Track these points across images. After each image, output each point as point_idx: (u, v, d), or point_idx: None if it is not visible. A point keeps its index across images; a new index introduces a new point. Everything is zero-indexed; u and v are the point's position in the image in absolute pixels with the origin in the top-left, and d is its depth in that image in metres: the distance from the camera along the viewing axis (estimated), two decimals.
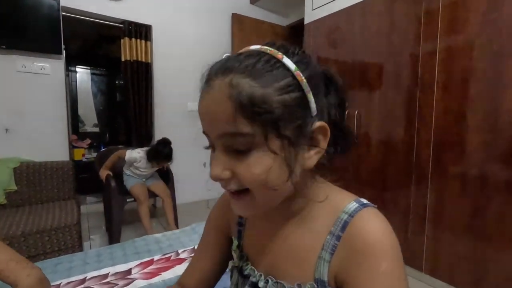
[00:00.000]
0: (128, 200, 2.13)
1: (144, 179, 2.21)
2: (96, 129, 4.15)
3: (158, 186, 2.22)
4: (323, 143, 0.38)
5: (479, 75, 1.37)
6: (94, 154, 3.58)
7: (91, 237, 2.24)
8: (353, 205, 0.40)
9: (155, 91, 2.64)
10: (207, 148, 0.40)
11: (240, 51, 0.38)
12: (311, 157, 0.38)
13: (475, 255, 1.41)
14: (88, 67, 3.97)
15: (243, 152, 0.35)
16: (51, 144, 2.20)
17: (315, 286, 0.39)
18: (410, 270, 1.67)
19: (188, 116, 2.82)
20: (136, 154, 2.09)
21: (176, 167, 2.52)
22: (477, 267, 1.41)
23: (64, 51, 2.21)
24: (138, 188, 2.09)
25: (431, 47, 1.54)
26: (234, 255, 0.51)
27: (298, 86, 0.35)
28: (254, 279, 0.46)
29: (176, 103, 2.75)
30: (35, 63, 2.07)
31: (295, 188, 0.38)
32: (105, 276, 0.84)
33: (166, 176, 2.33)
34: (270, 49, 0.36)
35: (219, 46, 2.93)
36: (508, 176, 1.29)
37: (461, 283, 1.47)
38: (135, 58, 2.48)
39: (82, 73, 3.96)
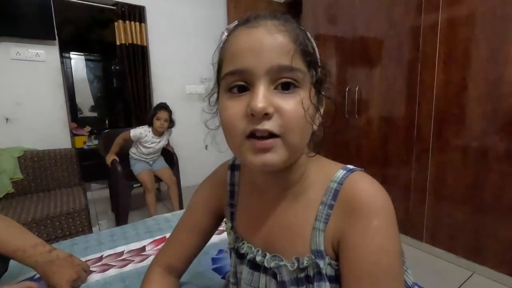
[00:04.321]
0: (134, 186, 2.14)
1: (151, 162, 2.21)
2: (93, 114, 4.12)
3: (164, 172, 2.23)
4: (321, 110, 0.41)
5: (481, 44, 1.36)
6: (95, 141, 3.58)
7: (99, 222, 2.29)
8: (340, 172, 0.41)
9: (152, 75, 2.61)
10: (232, 88, 0.37)
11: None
12: (318, 118, 0.40)
13: (474, 225, 1.46)
14: (83, 53, 3.89)
15: (290, 91, 0.35)
16: (52, 133, 2.20)
17: (313, 257, 0.39)
18: (411, 240, 1.73)
19: (187, 99, 2.80)
20: (139, 129, 2.11)
21: (177, 150, 2.54)
22: (476, 236, 1.46)
23: (57, 37, 2.16)
24: (146, 175, 2.10)
25: (432, 18, 1.52)
26: (229, 237, 0.51)
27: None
28: (251, 255, 0.45)
29: (174, 86, 2.73)
30: (29, 50, 2.03)
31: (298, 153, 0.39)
32: (121, 253, 0.88)
33: (171, 160, 2.34)
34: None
35: (214, 26, 2.86)
36: (508, 147, 1.31)
37: (460, 251, 1.53)
38: (130, 42, 2.43)
39: (77, 60, 3.88)
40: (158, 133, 2.16)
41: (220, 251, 0.88)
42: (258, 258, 0.44)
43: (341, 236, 0.38)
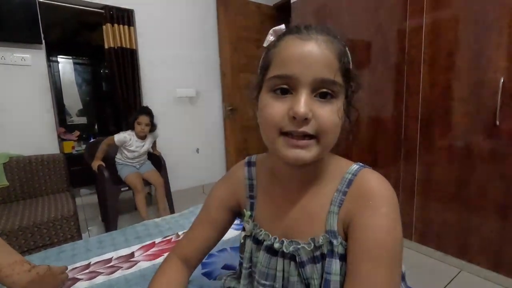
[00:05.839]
0: (122, 189, 2.13)
1: (138, 166, 2.20)
2: (82, 119, 4.06)
3: (152, 174, 2.22)
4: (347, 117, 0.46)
5: (464, 47, 1.39)
6: (84, 146, 3.52)
7: (88, 228, 2.25)
8: (354, 166, 0.48)
9: (142, 78, 2.59)
10: (276, 90, 0.42)
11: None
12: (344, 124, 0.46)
13: (461, 223, 1.49)
14: (71, 57, 3.83)
15: (327, 100, 0.41)
16: (39, 138, 2.16)
17: (327, 236, 0.44)
18: None
19: (178, 102, 2.79)
20: (123, 134, 2.12)
21: (169, 154, 2.53)
22: (463, 234, 1.49)
23: (44, 41, 2.13)
24: (133, 177, 2.09)
25: (417, 22, 1.55)
26: (247, 225, 0.54)
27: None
28: (269, 242, 0.49)
29: (165, 90, 2.71)
30: (14, 54, 1.99)
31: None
32: (109, 260, 0.87)
33: (159, 163, 2.33)
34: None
35: (204, 29, 2.86)
36: (491, 146, 1.34)
37: (448, 248, 1.56)
38: (119, 45, 2.41)
39: (65, 64, 3.81)
40: (141, 137, 2.18)
41: (210, 256, 0.88)
42: (276, 245, 0.48)
43: (352, 219, 0.43)
